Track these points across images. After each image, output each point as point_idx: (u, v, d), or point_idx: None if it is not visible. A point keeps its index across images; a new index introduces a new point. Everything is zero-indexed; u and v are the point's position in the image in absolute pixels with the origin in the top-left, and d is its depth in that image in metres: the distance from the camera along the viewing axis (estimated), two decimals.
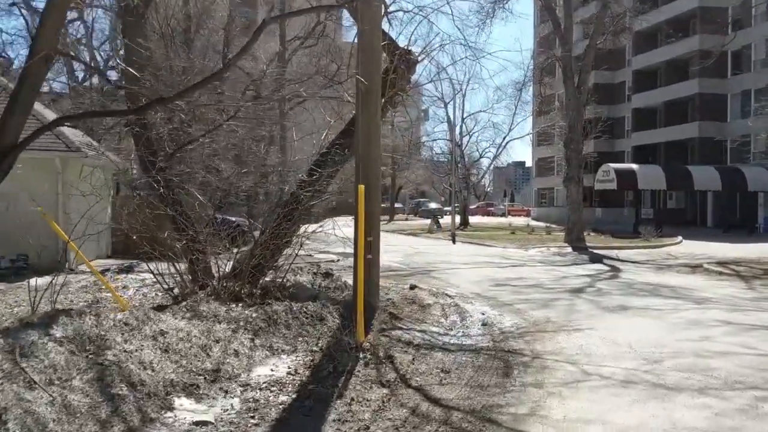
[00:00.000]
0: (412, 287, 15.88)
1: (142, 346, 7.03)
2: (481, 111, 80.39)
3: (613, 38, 41.19)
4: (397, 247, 31.67)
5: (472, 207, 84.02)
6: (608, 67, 60.09)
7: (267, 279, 12.66)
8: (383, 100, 13.24)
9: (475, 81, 72.72)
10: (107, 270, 16.88)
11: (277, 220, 12.60)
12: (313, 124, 21.97)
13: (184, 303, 9.54)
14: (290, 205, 12.73)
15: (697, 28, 52.33)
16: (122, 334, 7.30)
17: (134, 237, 12.28)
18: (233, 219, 15.61)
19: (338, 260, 25.22)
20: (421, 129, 70.53)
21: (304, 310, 10.04)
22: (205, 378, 7.06)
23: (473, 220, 61.95)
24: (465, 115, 55.90)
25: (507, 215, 76.53)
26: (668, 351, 9.45)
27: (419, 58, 14.45)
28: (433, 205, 77.45)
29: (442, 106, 53.72)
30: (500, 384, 7.79)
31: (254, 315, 9.21)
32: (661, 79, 58.17)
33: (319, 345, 8.97)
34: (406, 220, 69.74)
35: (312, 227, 13.56)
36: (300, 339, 9.17)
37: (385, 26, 13.24)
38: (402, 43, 14.11)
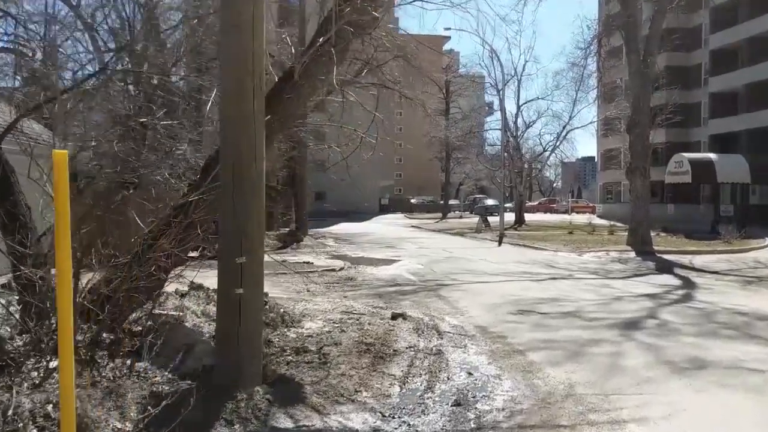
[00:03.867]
0: (395, 317, 11.40)
1: None
2: (538, 98, 74.67)
3: (686, 13, 35.61)
4: (427, 251, 27.29)
5: (533, 204, 78.84)
6: (681, 47, 53.99)
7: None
8: (321, 39, 8.62)
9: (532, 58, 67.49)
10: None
11: (147, 236, 8.16)
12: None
13: None
14: (177, 210, 8.32)
15: None
16: None
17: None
18: None
19: (341, 268, 20.77)
20: (485, 122, 66.12)
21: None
22: None
23: (533, 217, 57.34)
24: (521, 103, 51.12)
25: (570, 212, 70.75)
26: None
27: None
28: (489, 202, 72.43)
29: (495, 93, 49.22)
30: None
31: None
32: (742, 59, 52.04)
33: None
34: (461, 218, 65.40)
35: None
36: None
37: None
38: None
